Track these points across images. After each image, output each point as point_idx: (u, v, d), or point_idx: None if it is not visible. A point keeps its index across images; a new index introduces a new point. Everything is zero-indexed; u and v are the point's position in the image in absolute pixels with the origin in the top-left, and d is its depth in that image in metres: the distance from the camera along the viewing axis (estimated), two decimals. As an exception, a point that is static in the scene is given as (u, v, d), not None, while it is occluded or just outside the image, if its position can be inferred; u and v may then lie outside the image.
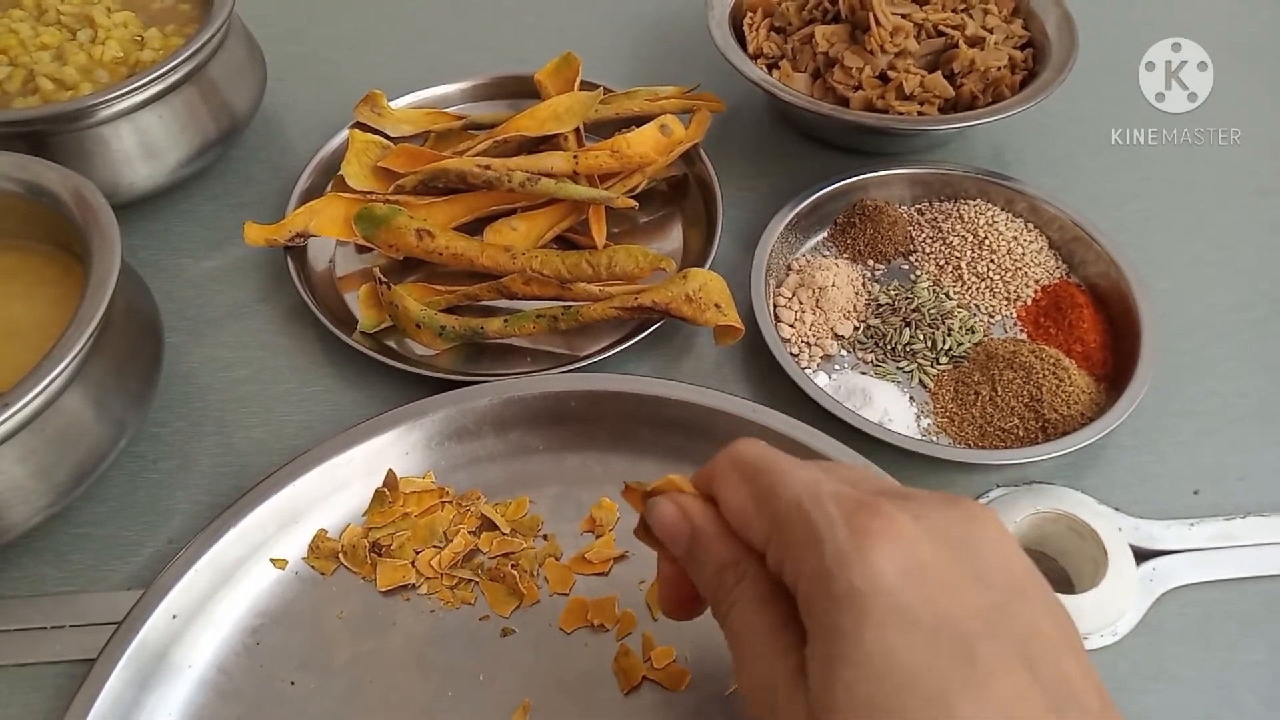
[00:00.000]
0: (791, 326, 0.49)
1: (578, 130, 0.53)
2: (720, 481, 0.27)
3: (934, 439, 0.45)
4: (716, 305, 0.46)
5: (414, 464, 0.42)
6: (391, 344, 0.48)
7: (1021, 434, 0.45)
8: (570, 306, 0.46)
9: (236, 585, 0.39)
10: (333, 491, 0.41)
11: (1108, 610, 0.40)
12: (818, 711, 0.23)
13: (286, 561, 0.40)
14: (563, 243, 0.53)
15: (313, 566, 0.40)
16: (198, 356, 0.49)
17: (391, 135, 0.55)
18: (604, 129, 0.56)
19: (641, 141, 0.51)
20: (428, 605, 0.39)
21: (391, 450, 0.42)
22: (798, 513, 0.24)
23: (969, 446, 0.45)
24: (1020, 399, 0.45)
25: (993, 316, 0.50)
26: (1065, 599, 0.40)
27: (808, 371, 0.47)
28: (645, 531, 0.30)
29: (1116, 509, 0.43)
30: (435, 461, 0.43)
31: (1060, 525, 0.43)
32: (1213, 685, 0.39)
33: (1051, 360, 0.45)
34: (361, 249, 0.52)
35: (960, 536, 0.24)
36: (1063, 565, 0.43)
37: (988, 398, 0.45)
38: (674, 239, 0.54)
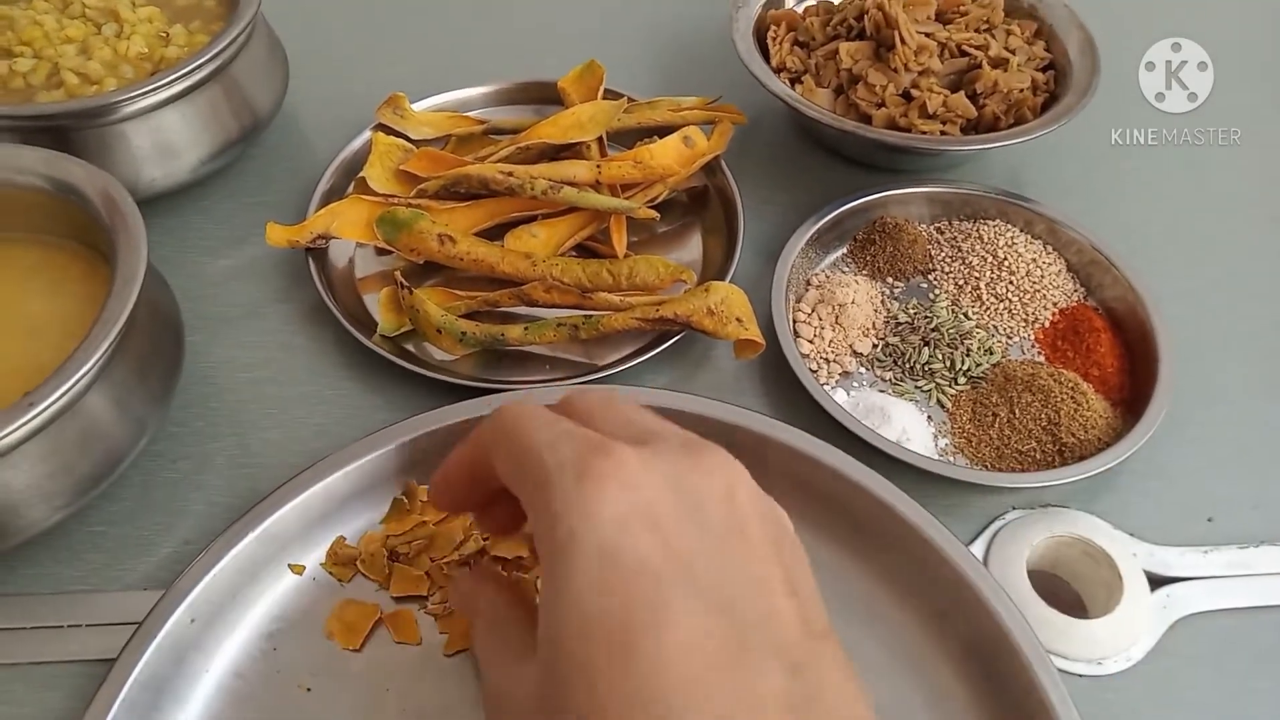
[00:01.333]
0: (811, 342, 0.49)
1: (600, 139, 0.53)
2: (493, 453, 0.27)
3: (951, 459, 0.45)
4: (738, 319, 0.46)
5: (431, 472, 0.42)
6: (410, 348, 0.48)
7: (1038, 457, 0.45)
8: (591, 316, 0.46)
9: (254, 590, 0.38)
10: (351, 498, 0.41)
11: (1122, 636, 0.40)
12: (540, 666, 0.23)
13: (304, 567, 0.39)
14: (583, 251, 0.53)
15: (330, 573, 0.40)
16: (216, 356, 0.49)
17: (413, 138, 0.55)
18: (626, 138, 0.56)
19: (664, 152, 0.51)
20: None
21: (408, 457, 0.42)
22: (536, 460, 0.25)
23: (986, 468, 0.45)
24: (1038, 422, 0.45)
25: (1011, 338, 0.50)
26: (1080, 624, 0.40)
27: (826, 388, 0.47)
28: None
29: (1131, 534, 0.44)
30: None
31: (1075, 550, 0.43)
32: (1226, 713, 0.39)
33: (1069, 384, 0.46)
34: (381, 251, 0.52)
35: (690, 480, 0.25)
36: (1077, 589, 0.44)
37: (1005, 420, 0.46)
38: (693, 249, 0.54)
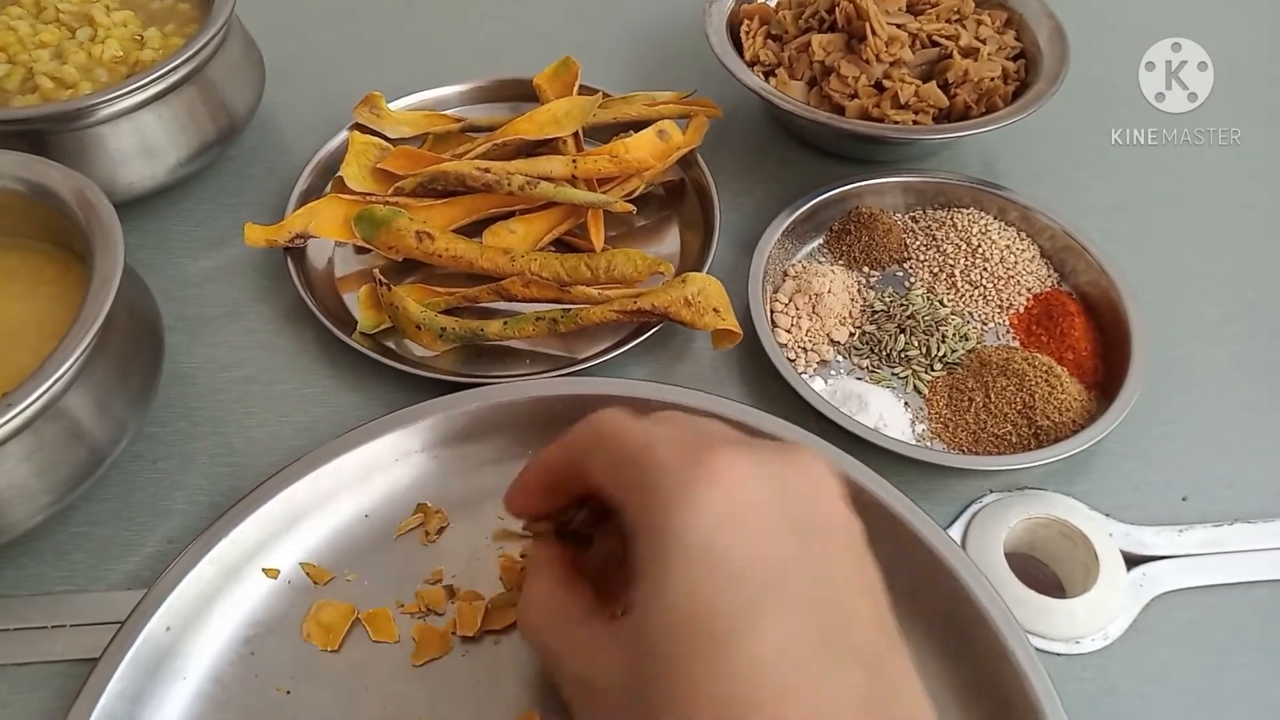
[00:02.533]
0: (788, 332, 0.49)
1: (576, 134, 0.54)
2: (589, 456, 0.27)
3: (928, 444, 0.46)
4: (715, 310, 0.46)
5: (405, 471, 0.42)
6: (390, 345, 0.49)
7: (1014, 440, 0.45)
8: (569, 309, 0.47)
9: (230, 595, 0.38)
10: (325, 499, 0.41)
11: (1099, 614, 0.41)
12: (633, 658, 0.24)
13: (279, 571, 0.39)
14: (561, 245, 0.53)
15: (308, 574, 0.40)
16: (197, 356, 0.49)
17: (390, 137, 0.55)
18: (602, 133, 0.56)
19: (640, 146, 0.52)
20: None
21: (383, 457, 0.42)
22: (635, 463, 0.25)
23: (963, 452, 0.45)
24: (1013, 406, 0.45)
25: (986, 324, 0.51)
26: (1057, 603, 0.41)
27: (804, 377, 0.48)
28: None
29: (1107, 515, 0.44)
30: (427, 467, 0.42)
31: (1052, 530, 0.43)
32: (1202, 689, 0.39)
33: (1044, 368, 0.46)
34: (360, 249, 0.52)
35: (786, 482, 0.25)
36: (1055, 570, 0.44)
37: (981, 404, 0.46)
38: (670, 243, 0.55)
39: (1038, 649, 0.40)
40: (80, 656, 0.38)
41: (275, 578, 0.39)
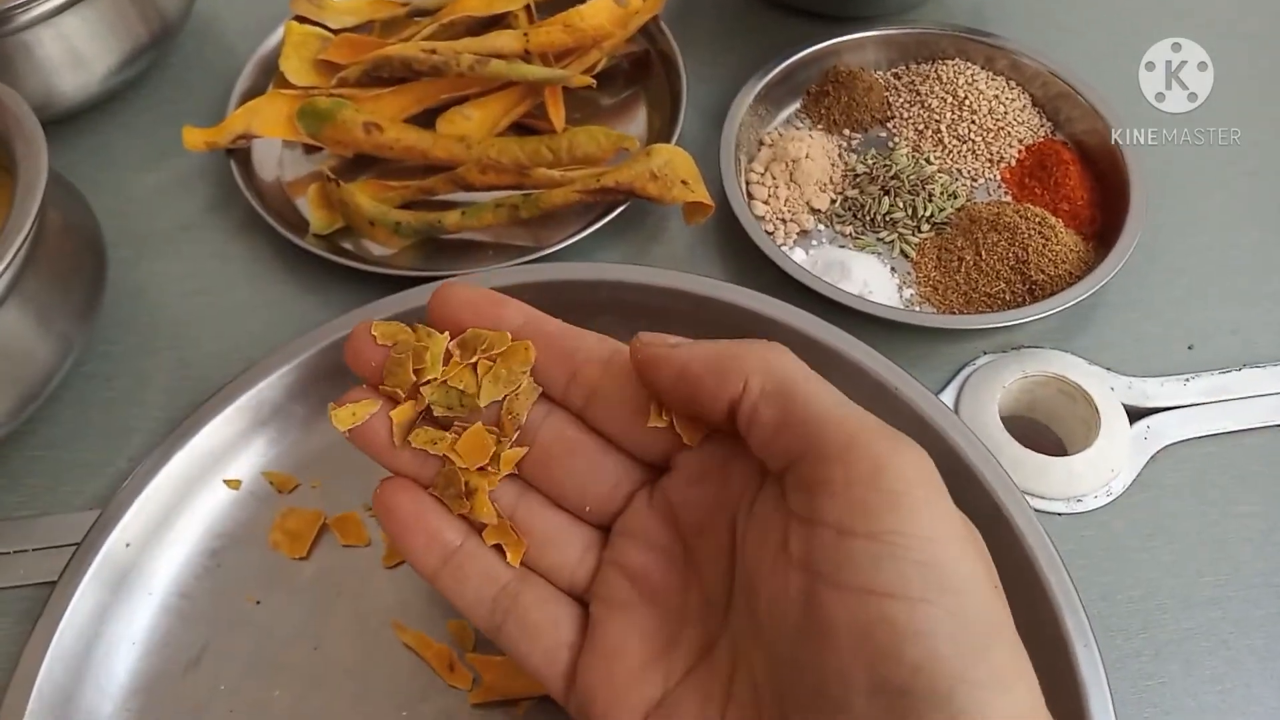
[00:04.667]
0: (765, 204, 0.47)
1: (528, 8, 0.50)
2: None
3: (917, 309, 0.44)
4: (683, 181, 0.43)
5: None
6: (348, 246, 0.46)
7: (1008, 298, 0.43)
8: (530, 194, 0.44)
9: (191, 508, 0.37)
10: (284, 406, 0.39)
11: (1101, 470, 0.39)
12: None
13: (240, 482, 0.38)
14: (521, 131, 0.50)
15: (271, 483, 0.38)
16: (147, 272, 0.47)
17: (333, 27, 0.52)
18: (557, 7, 0.53)
19: (596, 12, 0.48)
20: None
21: (336, 359, 0.40)
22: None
23: (954, 314, 0.43)
24: (1005, 261, 0.43)
25: (976, 180, 0.48)
26: (1056, 461, 0.39)
27: (784, 249, 0.45)
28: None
29: (1108, 369, 0.42)
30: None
31: (1050, 389, 0.41)
32: (1210, 539, 0.38)
33: (1037, 219, 0.43)
34: (310, 150, 0.50)
35: None
36: (1055, 431, 0.42)
37: (972, 263, 0.43)
38: (639, 123, 0.51)
39: (1037, 510, 0.38)
40: (44, 580, 0.37)
41: (238, 489, 0.38)
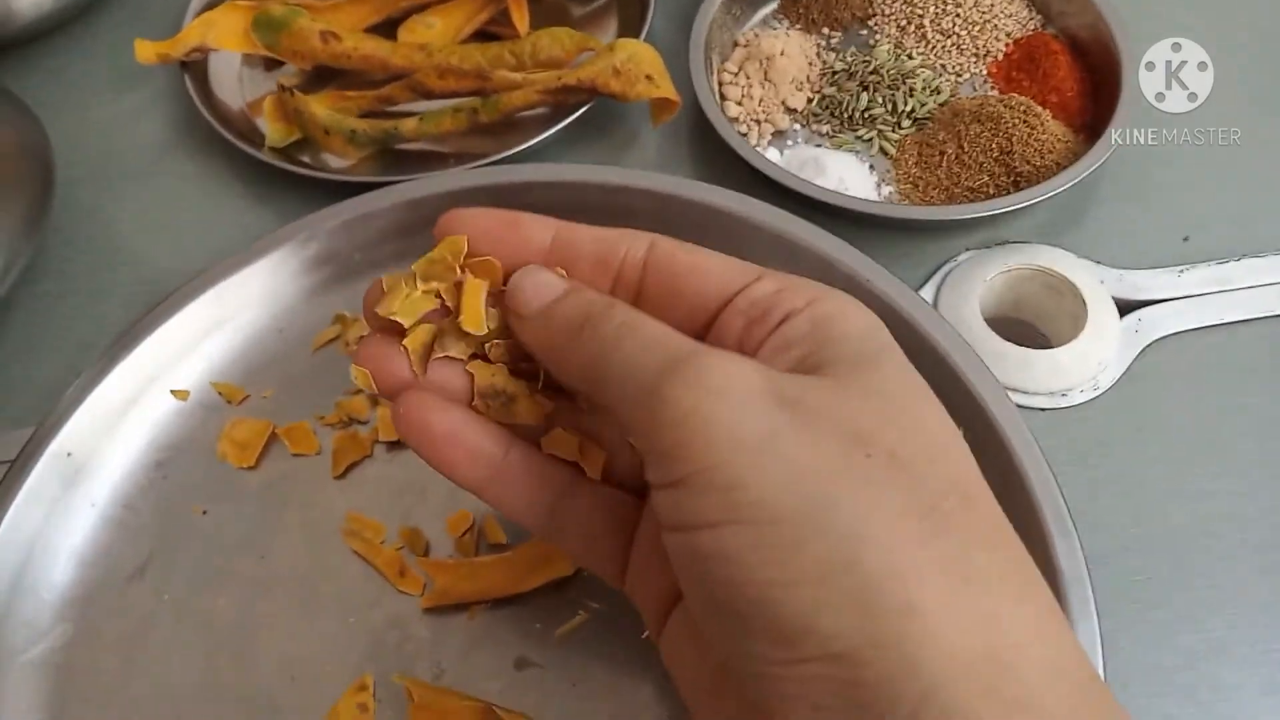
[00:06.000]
0: (739, 104, 0.45)
1: (491, -90, 0.48)
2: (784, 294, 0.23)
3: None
4: (648, 77, 0.41)
5: (319, 279, 0.39)
6: (306, 159, 0.45)
7: (992, 191, 0.41)
8: (490, 97, 0.42)
9: (137, 418, 0.36)
10: (233, 315, 0.38)
11: (1087, 363, 0.37)
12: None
13: (189, 392, 0.37)
14: (486, 39, 0.48)
15: (220, 394, 0.37)
16: (104, 190, 0.45)
17: (292, -60, 0.50)
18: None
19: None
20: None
21: (293, 267, 0.38)
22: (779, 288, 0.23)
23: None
24: (989, 153, 0.41)
25: (960, 76, 0.45)
26: (1040, 354, 0.37)
27: (758, 150, 0.43)
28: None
29: (1098, 263, 0.40)
30: (344, 276, 0.39)
31: (1035, 283, 0.39)
32: (1205, 431, 0.36)
33: (1021, 108, 0.41)
34: (270, 65, 0.48)
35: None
36: (1042, 329, 0.40)
37: (954, 156, 0.41)
38: (609, 34, 0.49)
39: (1020, 405, 0.36)
40: (-10, 496, 0.36)
41: (185, 400, 0.37)
